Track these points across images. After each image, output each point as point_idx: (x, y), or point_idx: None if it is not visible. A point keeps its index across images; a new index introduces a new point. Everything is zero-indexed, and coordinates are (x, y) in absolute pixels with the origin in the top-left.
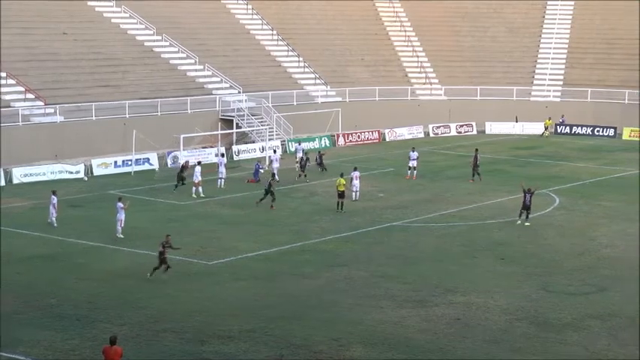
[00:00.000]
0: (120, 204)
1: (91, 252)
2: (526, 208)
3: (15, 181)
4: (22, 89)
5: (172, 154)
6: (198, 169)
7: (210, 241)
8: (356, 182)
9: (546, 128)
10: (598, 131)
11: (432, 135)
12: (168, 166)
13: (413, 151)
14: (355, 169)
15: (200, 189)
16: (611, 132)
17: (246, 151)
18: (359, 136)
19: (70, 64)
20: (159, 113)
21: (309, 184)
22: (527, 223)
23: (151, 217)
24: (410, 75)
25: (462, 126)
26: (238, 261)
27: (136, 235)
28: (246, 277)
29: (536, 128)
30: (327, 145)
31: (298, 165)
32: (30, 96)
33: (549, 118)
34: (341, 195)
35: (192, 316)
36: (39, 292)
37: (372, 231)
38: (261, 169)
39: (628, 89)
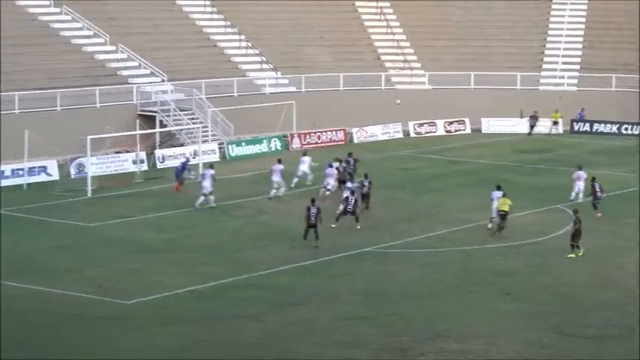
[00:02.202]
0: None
1: None
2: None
3: None
4: None
5: (77, 161)
6: (211, 173)
7: (126, 275)
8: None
9: (555, 123)
10: (626, 129)
11: (413, 135)
12: (72, 176)
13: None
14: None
15: (212, 198)
16: None
17: (172, 157)
18: (319, 137)
19: None
20: (58, 108)
21: (256, 200)
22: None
23: (47, 243)
24: (383, 58)
25: (451, 123)
26: (165, 300)
27: (30, 268)
28: (174, 320)
29: (546, 125)
30: (279, 147)
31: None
32: None
33: (556, 111)
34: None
35: None
36: None
37: (337, 259)
38: (190, 170)
39: None
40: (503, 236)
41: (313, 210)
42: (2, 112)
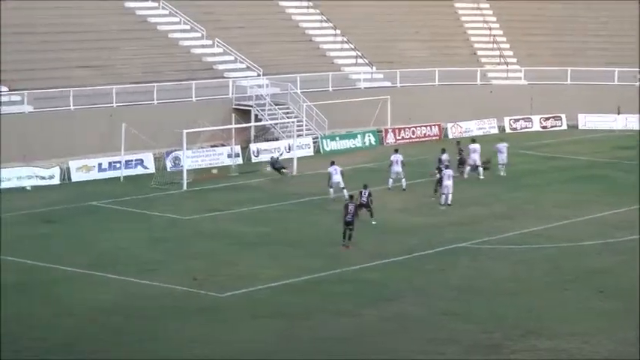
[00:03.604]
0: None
1: (71, 280)
2: None
3: None
4: None
5: (173, 154)
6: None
7: (221, 267)
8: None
9: None
10: None
11: (508, 130)
12: (168, 169)
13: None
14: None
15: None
16: None
17: (267, 151)
18: (413, 132)
19: (42, 38)
20: (155, 102)
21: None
22: None
23: (143, 236)
24: (480, 53)
25: (547, 119)
26: (258, 293)
27: (125, 259)
28: (268, 313)
29: None
30: (373, 142)
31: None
32: None
33: None
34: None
35: None
36: (6, 331)
37: (431, 255)
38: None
39: None
40: None
41: (351, 207)
42: (100, 106)
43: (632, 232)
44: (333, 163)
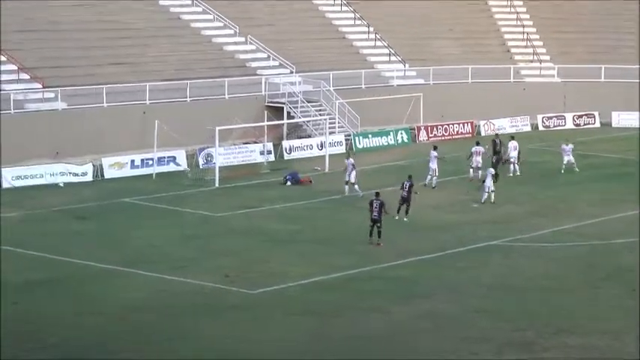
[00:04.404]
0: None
1: (102, 277)
2: None
3: (4, 184)
4: (14, 67)
5: (205, 151)
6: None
7: (252, 265)
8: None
9: None
10: None
11: (541, 128)
12: (200, 166)
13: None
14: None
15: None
16: None
17: (300, 148)
18: (446, 130)
19: (75, 35)
20: (188, 99)
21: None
22: None
23: (175, 233)
24: (513, 50)
25: (580, 116)
26: (289, 290)
27: (157, 256)
28: (299, 311)
29: None
30: (405, 140)
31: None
32: (24, 76)
33: None
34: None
35: None
36: (35, 328)
37: (463, 252)
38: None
39: None
40: None
41: (376, 204)
42: (133, 103)
43: None
44: (349, 157)
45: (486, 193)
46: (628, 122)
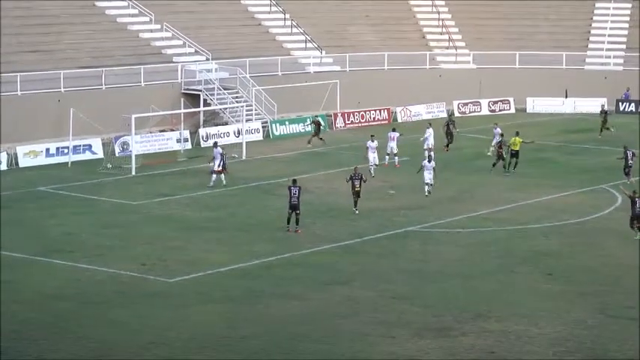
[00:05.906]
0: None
1: (17, 266)
2: (637, 217)
3: None
4: None
5: (121, 139)
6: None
7: (170, 252)
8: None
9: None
10: None
11: (457, 114)
12: (116, 154)
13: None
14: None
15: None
16: None
17: (217, 136)
18: (363, 116)
19: None
20: (103, 87)
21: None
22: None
23: (91, 221)
24: (429, 37)
25: (496, 102)
26: (207, 277)
27: (73, 245)
28: (217, 298)
29: (592, 105)
30: (323, 127)
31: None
32: None
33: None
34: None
35: (147, 349)
36: None
37: (381, 238)
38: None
39: None
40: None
41: (294, 191)
42: (48, 91)
43: (578, 215)
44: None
45: (427, 186)
46: (542, 108)
